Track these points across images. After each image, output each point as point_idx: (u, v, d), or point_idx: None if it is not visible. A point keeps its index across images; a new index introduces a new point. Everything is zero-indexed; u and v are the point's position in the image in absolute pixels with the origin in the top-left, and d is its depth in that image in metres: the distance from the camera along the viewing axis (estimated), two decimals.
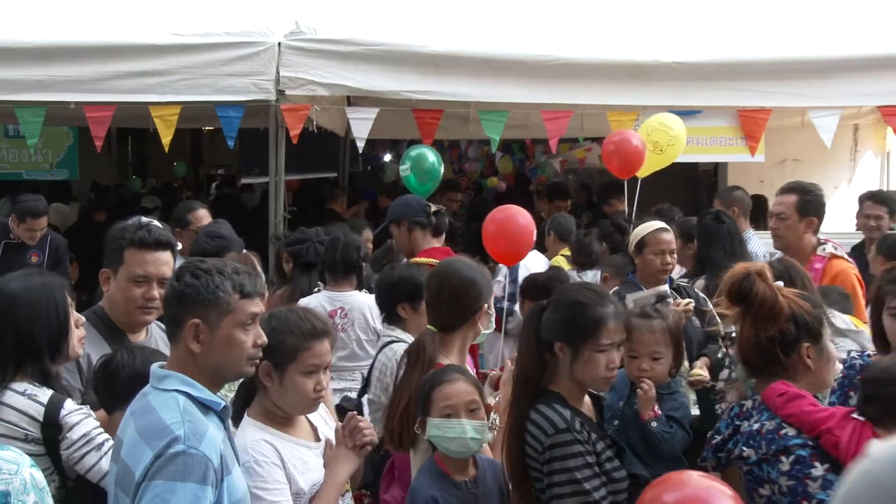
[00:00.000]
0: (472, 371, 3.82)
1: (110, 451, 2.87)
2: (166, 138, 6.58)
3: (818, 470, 2.72)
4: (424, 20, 6.93)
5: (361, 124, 6.76)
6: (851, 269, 4.77)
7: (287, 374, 2.87)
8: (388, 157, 15.35)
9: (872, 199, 6.49)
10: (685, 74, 6.60)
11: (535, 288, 5.19)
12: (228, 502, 2.46)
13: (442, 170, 7.06)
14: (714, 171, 9.87)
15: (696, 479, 2.29)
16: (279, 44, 6.41)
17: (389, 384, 3.86)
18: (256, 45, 6.40)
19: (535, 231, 5.19)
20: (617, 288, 4.90)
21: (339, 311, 5.15)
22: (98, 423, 3.03)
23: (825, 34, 6.82)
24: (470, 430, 3.07)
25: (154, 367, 2.58)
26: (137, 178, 15.78)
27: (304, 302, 5.04)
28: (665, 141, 6.53)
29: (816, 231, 4.94)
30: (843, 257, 4.86)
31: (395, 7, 7.05)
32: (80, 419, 2.99)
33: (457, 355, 3.65)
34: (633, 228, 5.42)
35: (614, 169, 6.56)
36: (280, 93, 6.45)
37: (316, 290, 5.32)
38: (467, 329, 3.67)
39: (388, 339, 4.23)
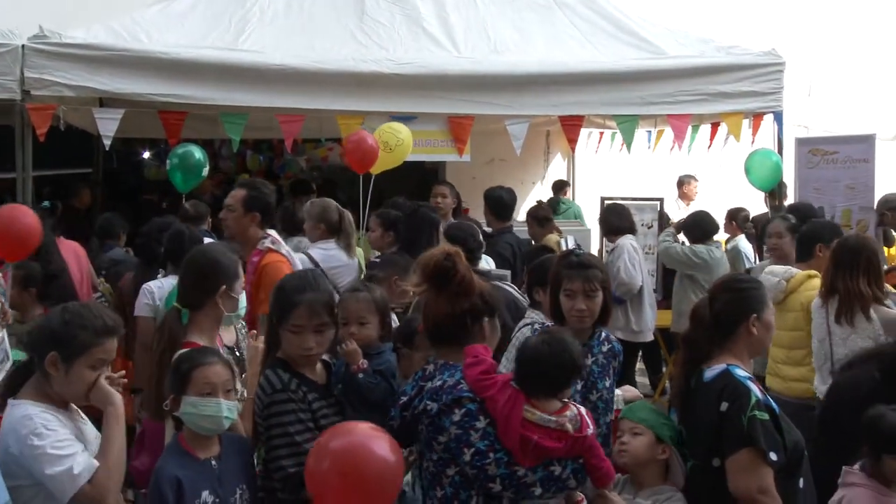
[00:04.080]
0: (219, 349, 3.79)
1: None
2: None
3: (481, 423, 2.87)
4: (169, 28, 6.80)
5: (108, 124, 6.52)
6: (281, 262, 4.85)
7: (74, 367, 2.82)
8: (146, 155, 14.78)
9: None
10: (402, 84, 6.86)
11: None
12: None
13: (207, 167, 6.96)
14: (436, 170, 10.30)
15: (361, 428, 2.46)
16: (23, 46, 6.11)
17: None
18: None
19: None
20: None
21: None
22: None
23: (518, 54, 7.30)
24: (225, 408, 3.06)
25: None
26: None
27: (148, 286, 5.00)
28: (393, 142, 6.80)
29: (262, 225, 4.97)
30: (277, 251, 4.94)
31: (140, 15, 6.86)
32: None
33: (207, 334, 3.62)
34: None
35: (353, 164, 6.74)
36: (26, 93, 6.15)
37: (160, 274, 5.23)
38: (210, 310, 3.63)
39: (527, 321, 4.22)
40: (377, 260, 5.62)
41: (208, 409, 3.04)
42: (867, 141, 7.72)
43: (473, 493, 2.91)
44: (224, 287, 3.63)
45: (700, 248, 7.19)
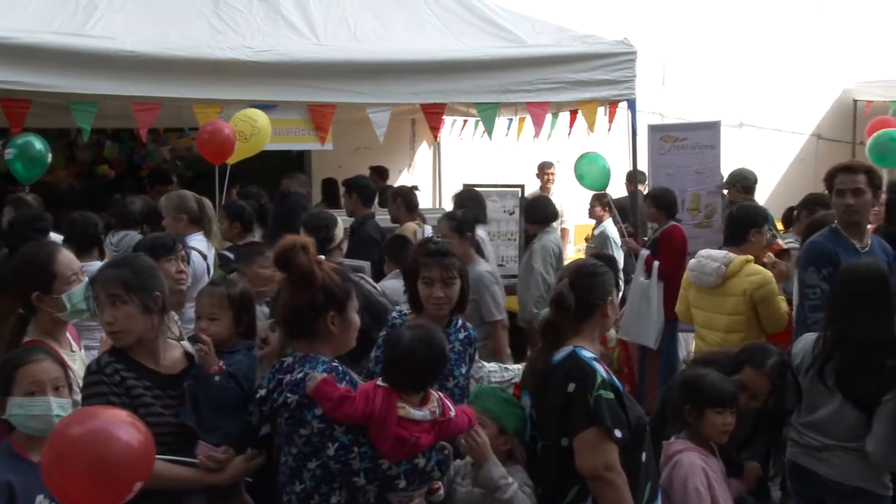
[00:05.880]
0: (74, 345, 3.66)
1: None
2: None
3: None
4: (10, 11, 6.41)
5: None
6: None
7: None
8: None
9: None
10: (261, 72, 6.67)
11: None
12: None
13: (50, 157, 6.62)
14: (301, 158, 10.14)
15: (104, 413, 2.36)
16: None
17: None
18: None
19: None
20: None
21: None
22: None
23: (379, 42, 7.22)
24: (55, 406, 2.93)
25: None
26: None
27: None
28: (249, 131, 6.65)
29: None
30: None
31: None
32: None
33: (51, 335, 3.47)
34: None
35: (208, 155, 6.56)
36: None
37: None
38: (42, 311, 3.46)
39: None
40: (225, 252, 5.49)
41: (36, 408, 2.91)
42: (713, 128, 8.03)
43: (335, 486, 2.87)
44: (36, 294, 3.43)
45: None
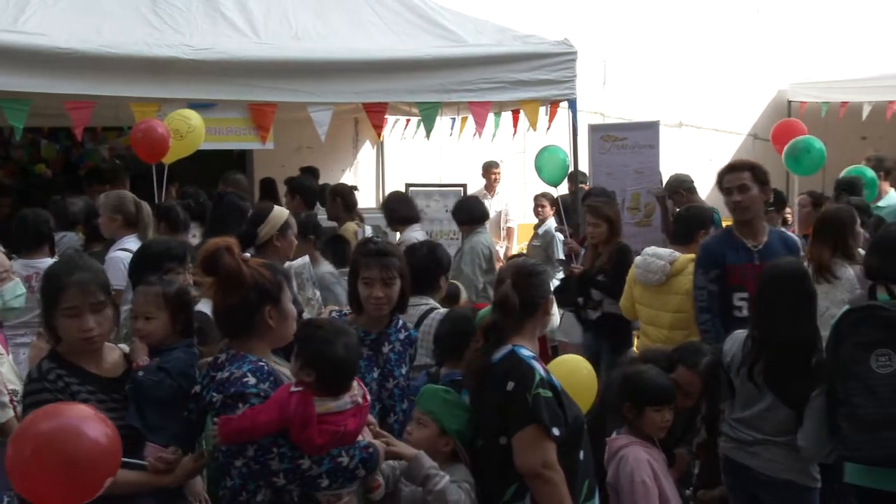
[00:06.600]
0: (1, 349, 3.63)
1: None
2: None
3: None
4: None
5: None
6: None
7: None
8: None
9: None
10: (200, 71, 6.55)
11: None
12: None
13: None
14: (243, 158, 10.02)
15: (72, 409, 2.33)
16: None
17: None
18: None
19: None
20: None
21: (34, 275, 5.14)
22: None
23: (320, 41, 7.16)
24: None
25: None
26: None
27: None
28: (184, 129, 6.55)
29: None
30: None
31: None
32: None
33: None
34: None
35: (142, 154, 6.45)
36: None
37: (11, 259, 5.06)
38: None
39: (428, 307, 4.49)
40: None
41: None
42: (652, 128, 8.14)
43: (261, 484, 2.88)
44: None
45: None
